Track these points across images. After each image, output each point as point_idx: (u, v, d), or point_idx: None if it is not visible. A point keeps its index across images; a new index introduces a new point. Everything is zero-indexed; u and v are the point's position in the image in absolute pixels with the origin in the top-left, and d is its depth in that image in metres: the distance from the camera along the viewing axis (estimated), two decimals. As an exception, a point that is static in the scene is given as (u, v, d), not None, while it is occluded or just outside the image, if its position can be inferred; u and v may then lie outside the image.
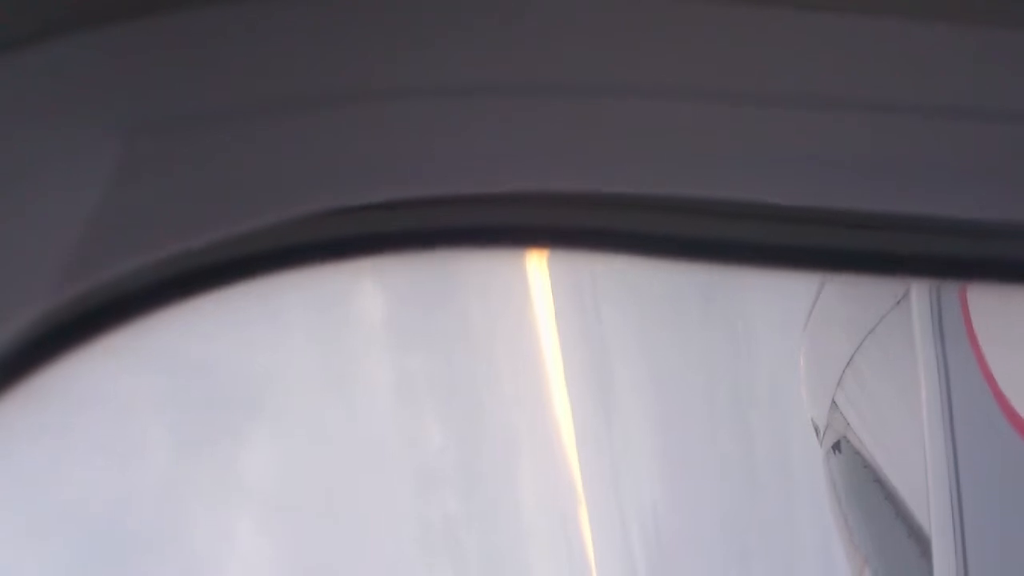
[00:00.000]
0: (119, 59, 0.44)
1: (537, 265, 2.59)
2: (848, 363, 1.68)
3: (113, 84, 0.45)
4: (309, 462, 2.45)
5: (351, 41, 0.46)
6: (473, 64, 0.49)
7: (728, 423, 2.70)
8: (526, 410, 2.73)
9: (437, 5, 0.46)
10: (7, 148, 0.43)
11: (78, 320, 0.49)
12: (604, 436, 2.76)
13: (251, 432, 2.40)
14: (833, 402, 1.73)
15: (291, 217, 0.51)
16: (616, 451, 2.76)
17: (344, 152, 0.50)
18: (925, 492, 1.53)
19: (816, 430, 1.81)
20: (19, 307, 0.47)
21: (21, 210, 0.45)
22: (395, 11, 0.46)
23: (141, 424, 2.29)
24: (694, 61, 0.50)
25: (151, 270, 0.49)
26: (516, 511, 2.80)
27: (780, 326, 1.85)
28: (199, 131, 0.47)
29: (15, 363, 0.48)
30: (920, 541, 1.69)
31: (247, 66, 0.46)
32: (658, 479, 2.77)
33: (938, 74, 0.51)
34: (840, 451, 1.76)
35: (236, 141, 0.48)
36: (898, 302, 1.58)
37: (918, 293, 1.47)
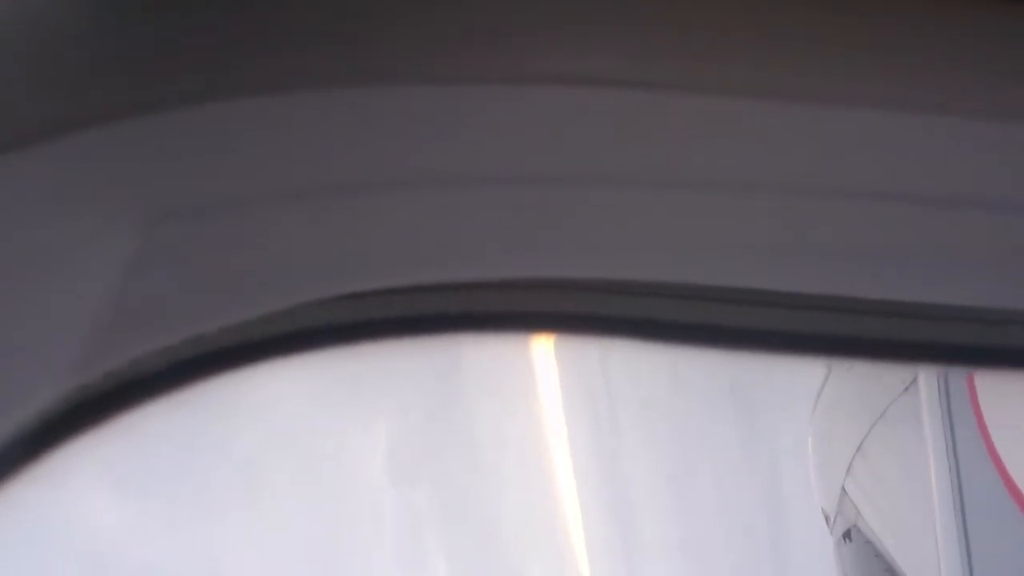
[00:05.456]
0: (136, 152, 0.45)
1: (544, 356, 2.52)
2: (857, 450, 1.67)
3: (131, 176, 0.45)
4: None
5: (357, 132, 0.47)
6: (480, 153, 0.49)
7: (754, 530, 2.58)
8: (536, 526, 2.61)
9: (442, 97, 0.47)
10: (25, 238, 0.44)
11: (91, 403, 0.49)
12: (619, 550, 2.65)
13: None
14: (843, 489, 1.71)
15: (300, 302, 0.51)
16: (633, 566, 2.64)
17: (353, 239, 0.51)
18: None
19: (826, 518, 1.79)
20: (31, 393, 0.47)
21: (37, 297, 0.45)
22: (400, 102, 0.47)
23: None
24: (703, 152, 0.50)
25: (162, 355, 0.49)
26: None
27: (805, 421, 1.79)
28: (212, 220, 0.48)
29: (25, 446, 0.48)
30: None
31: (259, 158, 0.47)
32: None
33: (948, 164, 0.52)
34: (851, 540, 1.74)
35: (248, 229, 0.49)
36: (906, 388, 1.57)
37: (926, 380, 1.47)
